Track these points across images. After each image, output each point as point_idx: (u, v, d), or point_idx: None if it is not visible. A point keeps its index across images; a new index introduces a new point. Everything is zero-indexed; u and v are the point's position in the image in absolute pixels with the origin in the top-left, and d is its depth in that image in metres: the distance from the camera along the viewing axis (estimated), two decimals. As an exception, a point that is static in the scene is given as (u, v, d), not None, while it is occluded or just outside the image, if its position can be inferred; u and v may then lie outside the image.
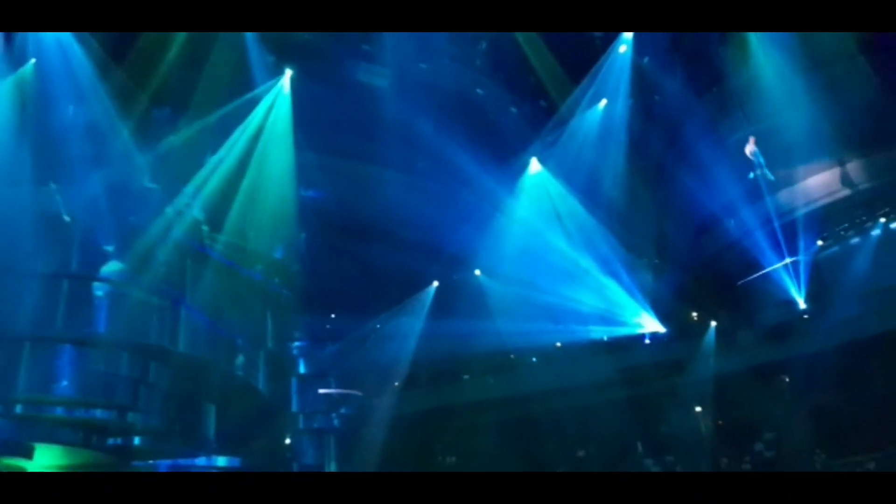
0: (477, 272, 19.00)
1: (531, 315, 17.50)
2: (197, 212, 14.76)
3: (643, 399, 17.59)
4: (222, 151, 14.93)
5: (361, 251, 17.02)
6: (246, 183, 15.07)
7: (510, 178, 16.83)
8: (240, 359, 17.65)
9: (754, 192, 17.49)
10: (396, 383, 19.22)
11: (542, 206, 16.86)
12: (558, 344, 18.99)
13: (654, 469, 17.49)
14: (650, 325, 18.25)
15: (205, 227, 15.09)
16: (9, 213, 13.37)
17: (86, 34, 12.80)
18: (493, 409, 18.53)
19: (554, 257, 16.91)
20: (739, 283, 18.91)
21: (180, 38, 13.36)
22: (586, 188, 16.61)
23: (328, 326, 20.00)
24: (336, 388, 19.02)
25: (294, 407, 19.31)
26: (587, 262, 17.08)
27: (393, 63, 15.06)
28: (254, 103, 14.62)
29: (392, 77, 15.14)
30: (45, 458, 14.89)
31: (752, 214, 17.94)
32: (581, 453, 17.87)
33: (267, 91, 14.74)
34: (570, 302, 17.34)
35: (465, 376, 19.80)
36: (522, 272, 17.15)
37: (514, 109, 16.64)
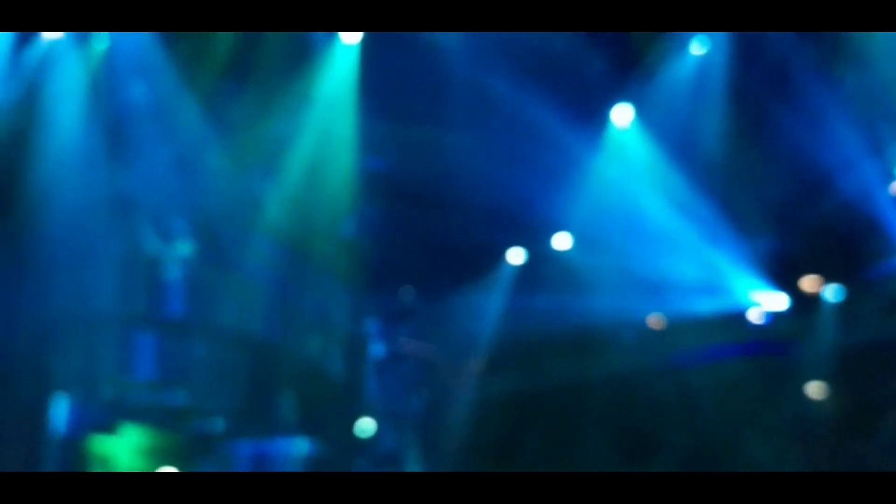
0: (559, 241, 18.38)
1: (623, 287, 16.74)
2: (265, 188, 15.02)
3: (754, 378, 16.57)
4: (288, 124, 15.01)
5: (436, 224, 16.76)
6: (313, 156, 15.13)
7: (596, 136, 16.01)
8: (313, 340, 18.04)
9: (877, 144, 16.02)
10: (476, 364, 19.01)
11: (632, 165, 15.96)
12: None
13: (764, 454, 16.61)
14: (760, 296, 17.12)
15: (274, 204, 15.35)
16: (85, 196, 14.07)
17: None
18: (582, 389, 17.98)
19: (647, 222, 16.03)
20: (860, 246, 17.44)
21: (244, 5, 13.40)
22: (682, 144, 15.56)
23: (403, 304, 20.02)
24: (413, 372, 19.11)
25: (370, 389, 19.56)
26: (686, 228, 16.11)
27: (463, 17, 14.59)
28: (318, 71, 14.56)
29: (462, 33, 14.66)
30: (131, 440, 15.92)
31: (874, 169, 16.41)
32: (683, 438, 17.08)
33: (331, 58, 14.63)
34: (668, 272, 16.43)
35: (550, 355, 19.31)
36: (611, 240, 16.36)
37: (598, 60, 15.77)
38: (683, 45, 15.60)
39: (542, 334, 18.30)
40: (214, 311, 15.01)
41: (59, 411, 14.44)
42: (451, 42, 14.99)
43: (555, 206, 16.34)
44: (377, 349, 19.88)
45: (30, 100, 13.98)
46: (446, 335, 18.96)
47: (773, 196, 17.74)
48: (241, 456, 16.69)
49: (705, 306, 17.65)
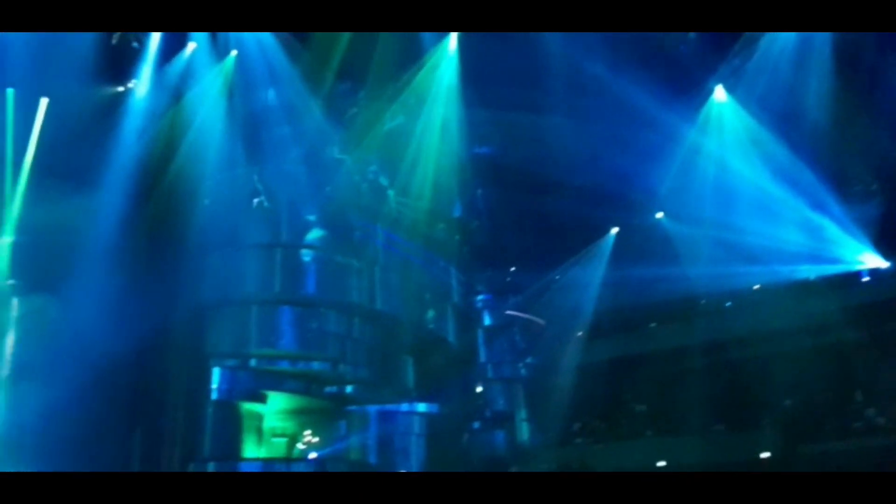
0: (659, 215, 18.61)
1: (723, 257, 16.77)
2: (383, 178, 16.27)
3: (861, 343, 16.19)
4: (399, 117, 16.14)
5: (537, 203, 17.48)
6: (423, 145, 16.16)
7: (693, 110, 16.03)
8: (430, 313, 19.36)
9: None
10: (580, 333, 19.72)
11: (731, 137, 15.87)
12: (756, 286, 18.08)
13: (879, 421, 16.25)
14: (869, 259, 16.59)
15: (391, 192, 16.60)
16: (227, 193, 15.83)
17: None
18: (684, 356, 18.16)
19: (749, 192, 15.93)
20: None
21: (356, 12, 14.50)
22: (784, 111, 15.28)
23: (508, 279, 20.98)
24: (520, 339, 20.07)
25: (482, 357, 20.73)
26: (790, 196, 15.87)
27: (558, 4, 14.98)
28: (425, 67, 15.52)
29: (558, 20, 15.08)
30: (276, 404, 17.82)
31: None
32: (788, 402, 17.04)
33: (436, 53, 15.53)
34: (771, 240, 16.29)
35: (653, 324, 19.65)
36: (712, 211, 16.44)
37: (692, 35, 15.73)
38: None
39: (644, 303, 18.70)
40: (343, 289, 16.45)
41: (216, 378, 16.46)
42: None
43: (655, 181, 16.65)
44: (487, 320, 21.08)
45: (175, 106, 15.87)
46: (551, 306, 19.77)
47: (884, 160, 17.05)
48: (370, 417, 18.38)
49: (810, 272, 17.39)
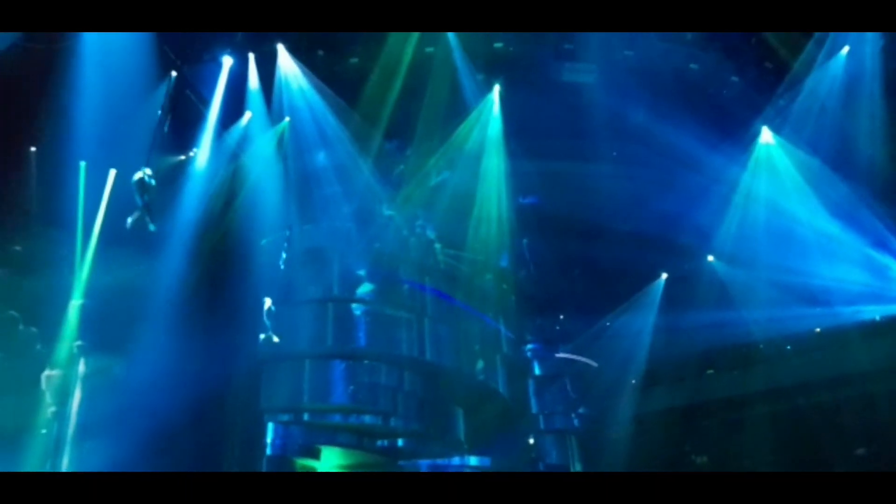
0: (710, 258, 18.24)
1: (781, 300, 16.28)
2: (430, 231, 16.56)
3: None
4: (445, 172, 16.54)
5: (585, 250, 17.45)
6: (469, 198, 16.48)
7: (740, 151, 15.90)
8: (479, 364, 19.24)
9: None
10: (634, 381, 19.23)
11: (782, 177, 15.61)
12: (818, 329, 17.37)
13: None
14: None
15: (437, 245, 16.84)
16: (282, 251, 16.36)
17: (326, 89, 15.17)
18: (746, 404, 17.54)
19: (804, 233, 15.55)
20: None
21: (401, 73, 15.10)
22: (835, 149, 15.00)
23: (558, 328, 20.73)
24: (571, 389, 19.63)
25: (533, 408, 20.36)
26: (848, 234, 15.40)
27: (598, 56, 15.26)
28: (469, 122, 15.97)
29: (598, 71, 15.35)
30: (330, 459, 17.86)
31: None
32: (861, 451, 16.11)
33: (479, 108, 15.99)
34: (831, 281, 15.75)
35: (710, 371, 19.03)
36: (766, 253, 16.06)
37: (735, 78, 15.73)
38: (832, 49, 15.08)
39: (699, 350, 18.22)
40: (393, 342, 16.62)
41: (270, 433, 16.65)
42: (588, 79, 15.80)
43: (703, 224, 16.44)
44: (537, 369, 20.80)
45: (232, 171, 16.65)
46: (603, 354, 19.39)
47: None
48: (421, 472, 18.17)
49: (875, 312, 16.61)
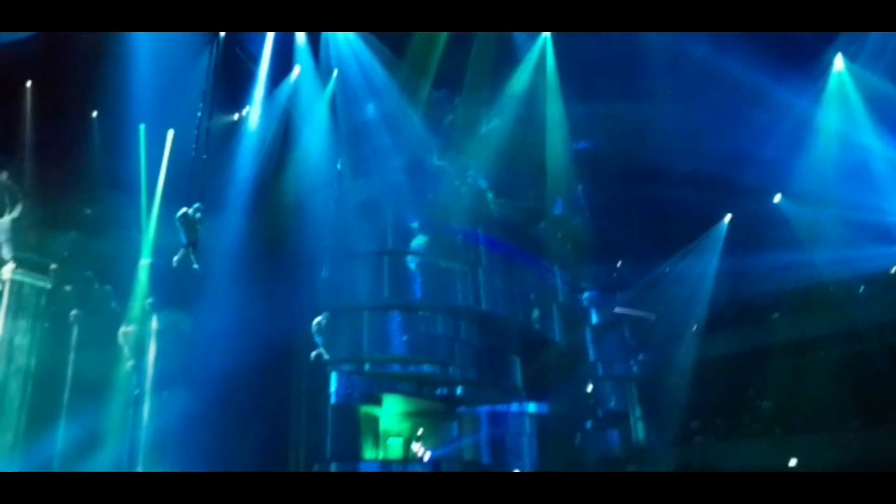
0: (777, 198, 17.37)
1: (853, 239, 15.45)
2: (481, 181, 16.39)
3: None
4: (495, 120, 16.19)
5: (643, 194, 16.92)
6: (521, 146, 16.13)
7: (809, 83, 14.84)
8: (535, 313, 19.29)
9: None
10: (695, 327, 18.85)
11: (856, 108, 14.53)
12: (893, 270, 16.43)
13: None
14: None
15: (489, 194, 16.70)
16: (337, 206, 16.53)
17: (373, 39, 14.92)
18: (813, 348, 16.90)
19: (879, 167, 14.55)
20: None
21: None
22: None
23: (615, 275, 20.44)
24: (630, 337, 19.47)
25: (591, 356, 20.35)
26: (925, 167, 14.34)
27: (654, -12, 14.37)
28: (520, 68, 15.48)
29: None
30: (391, 406, 18.49)
31: None
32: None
33: (530, 52, 15.45)
34: (905, 218, 14.79)
35: (775, 315, 18.39)
36: (838, 190, 15.13)
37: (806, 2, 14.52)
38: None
39: (764, 293, 17.56)
40: (448, 293, 16.77)
41: (333, 383, 17.23)
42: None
43: (770, 162, 15.58)
44: (595, 318, 20.68)
45: (284, 126, 16.77)
46: (662, 300, 19.02)
47: None
48: (481, 418, 18.57)
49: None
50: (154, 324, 17.41)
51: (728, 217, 18.36)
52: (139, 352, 17.39)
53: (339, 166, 15.88)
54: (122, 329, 16.71)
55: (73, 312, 14.50)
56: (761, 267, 16.84)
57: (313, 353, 14.10)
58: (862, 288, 16.99)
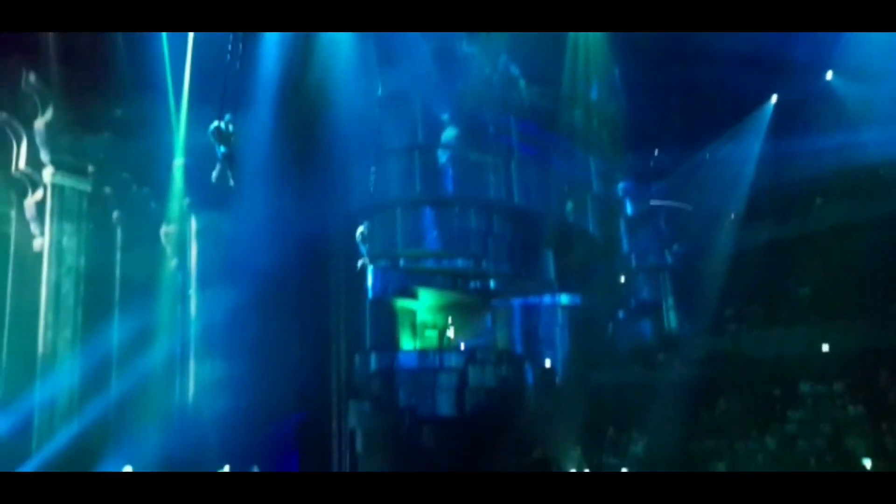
0: (829, 75, 16.24)
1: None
2: (513, 67, 15.74)
3: None
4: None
5: (681, 76, 16.06)
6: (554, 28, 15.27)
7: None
8: (569, 205, 19.10)
9: None
10: (733, 215, 18.41)
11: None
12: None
13: None
14: None
15: (522, 81, 16.09)
16: (362, 99, 16.16)
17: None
18: (855, 233, 16.34)
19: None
20: None
21: None
22: None
23: (651, 164, 19.89)
24: (665, 227, 19.19)
25: (625, 247, 20.26)
26: None
27: None
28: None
29: None
30: (427, 300, 19.01)
31: None
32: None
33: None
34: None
35: (818, 200, 17.73)
36: (895, 66, 14.04)
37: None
38: None
39: (809, 177, 16.83)
40: (481, 186, 16.66)
41: (370, 278, 17.64)
42: None
43: (821, 35, 14.42)
44: (629, 209, 20.39)
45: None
46: (701, 188, 18.48)
47: None
48: (514, 310, 18.94)
49: None
50: (193, 224, 17.92)
51: (774, 98, 17.39)
52: (181, 251, 18.05)
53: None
54: (164, 229, 17.17)
55: (115, 214, 14.86)
56: (807, 150, 16.08)
57: (359, 263, 14.38)
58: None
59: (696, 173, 18.49)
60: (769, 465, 13.24)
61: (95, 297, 15.80)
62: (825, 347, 15.79)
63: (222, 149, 9.89)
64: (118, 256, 15.38)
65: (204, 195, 16.92)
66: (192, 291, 17.91)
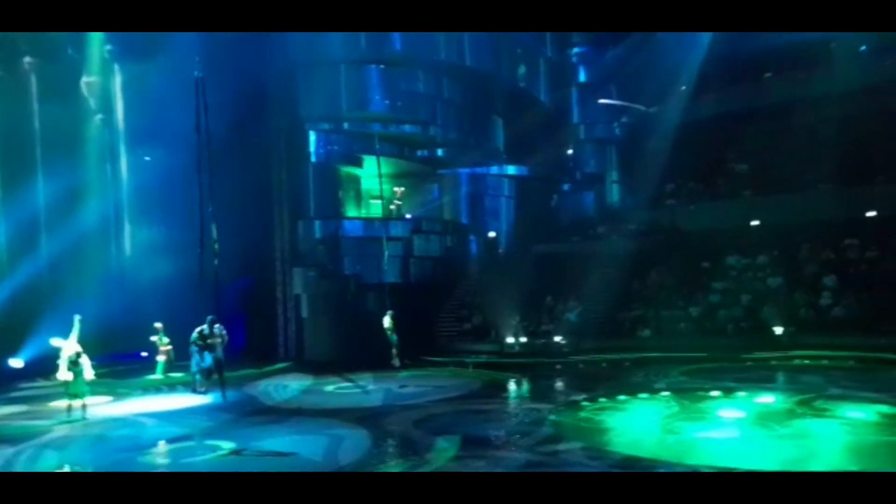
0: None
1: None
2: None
3: None
4: None
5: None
6: None
7: None
8: (521, 69, 18.49)
9: None
10: (683, 87, 18.18)
11: None
12: (903, 27, 15.21)
13: None
14: None
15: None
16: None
17: None
18: (800, 110, 16.46)
19: None
20: None
21: None
22: None
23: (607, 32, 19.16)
24: (618, 97, 18.87)
25: (575, 118, 20.02)
26: None
27: None
28: None
29: None
30: (372, 167, 18.49)
31: None
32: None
33: None
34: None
35: (768, 74, 17.56)
36: None
37: None
38: None
39: (763, 48, 16.46)
40: (430, 47, 15.78)
41: (312, 142, 16.93)
42: None
43: None
44: (582, 76, 19.90)
45: None
46: (655, 57, 17.98)
47: None
48: (461, 179, 18.78)
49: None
50: (118, 76, 16.52)
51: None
52: (106, 106, 16.78)
53: None
54: (84, 79, 15.82)
55: (27, 59, 13.56)
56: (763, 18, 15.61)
57: None
58: (864, 47, 16.15)
59: (650, 40, 17.90)
60: (690, 331, 14.19)
61: (16, 153, 14.76)
62: (755, 222, 16.50)
63: None
64: (36, 108, 14.23)
65: (127, 42, 15.56)
66: (121, 150, 16.96)
